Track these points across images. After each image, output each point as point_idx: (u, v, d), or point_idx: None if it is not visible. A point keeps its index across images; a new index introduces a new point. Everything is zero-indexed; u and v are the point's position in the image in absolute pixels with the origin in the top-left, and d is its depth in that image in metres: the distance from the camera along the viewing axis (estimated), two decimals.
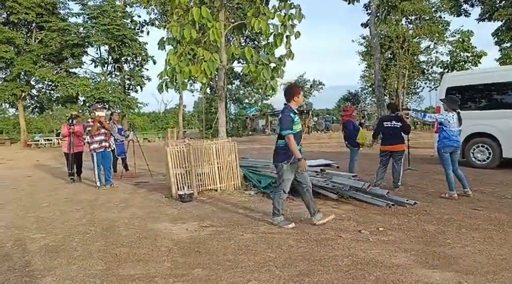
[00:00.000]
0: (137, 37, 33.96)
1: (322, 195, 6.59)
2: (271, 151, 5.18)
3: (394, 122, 7.24)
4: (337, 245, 4.29)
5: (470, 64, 31.65)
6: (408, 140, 8.68)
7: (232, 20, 8.21)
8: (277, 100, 53.11)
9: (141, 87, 35.13)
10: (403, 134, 7.35)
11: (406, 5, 19.85)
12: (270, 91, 8.41)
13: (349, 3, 22.39)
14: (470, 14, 19.61)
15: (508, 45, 17.81)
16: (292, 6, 8.09)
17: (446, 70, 33.37)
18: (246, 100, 46.85)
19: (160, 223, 5.52)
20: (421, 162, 11.54)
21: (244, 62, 8.53)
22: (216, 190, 7.60)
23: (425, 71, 35.88)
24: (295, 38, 8.24)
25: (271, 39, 8.07)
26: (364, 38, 36.81)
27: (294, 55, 8.23)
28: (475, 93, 10.18)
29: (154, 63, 36.18)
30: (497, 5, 17.48)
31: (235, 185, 7.71)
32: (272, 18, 7.90)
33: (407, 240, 4.43)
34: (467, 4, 19.71)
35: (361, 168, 9.60)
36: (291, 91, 4.99)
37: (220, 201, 6.90)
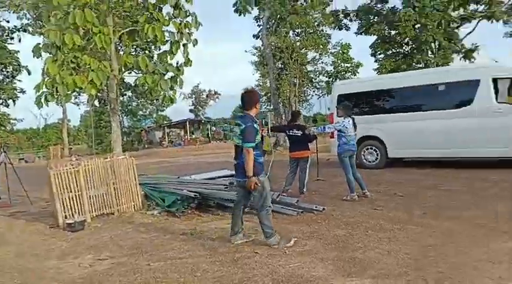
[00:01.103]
0: (6, 45, 30.02)
1: (231, 209, 6.33)
2: (172, 164, 4.72)
3: (295, 130, 7.34)
4: (254, 263, 4.03)
5: (350, 73, 34.81)
6: (317, 149, 8.91)
7: (120, 28, 7.48)
8: (174, 111, 51.93)
9: (14, 101, 31.07)
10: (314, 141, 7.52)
11: (293, 18, 20.92)
12: (168, 103, 7.98)
13: (239, 15, 22.90)
14: (350, 27, 21.72)
15: (383, 56, 20.07)
16: (188, 14, 7.75)
17: (330, 79, 36.23)
18: (140, 112, 44.67)
19: (45, 261, 4.63)
20: (319, 166, 12.04)
21: (139, 72, 7.89)
22: (114, 214, 6.80)
23: (313, 79, 38.41)
24: (193, 46, 7.90)
25: (167, 47, 7.60)
26: (256, 48, 38.03)
27: (191, 62, 7.87)
28: (362, 99, 11.01)
29: (29, 73, 32.27)
30: (371, 21, 19.60)
31: (136, 206, 6.99)
32: (167, 25, 7.45)
33: (322, 248, 4.38)
34: (347, 19, 21.75)
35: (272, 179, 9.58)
36: (253, 98, 4.57)
37: (120, 225, 6.16)
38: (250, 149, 4.26)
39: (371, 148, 10.63)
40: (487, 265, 3.59)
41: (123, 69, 7.87)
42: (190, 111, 60.22)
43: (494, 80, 8.76)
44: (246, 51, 43.97)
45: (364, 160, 10.74)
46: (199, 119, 50.31)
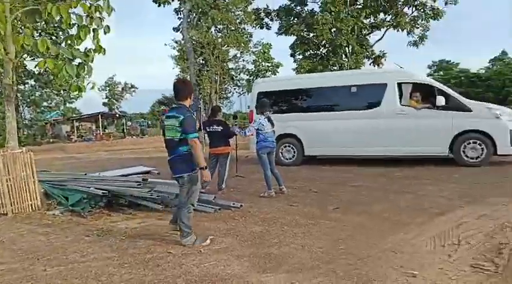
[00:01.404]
0: None
1: (144, 207, 5.98)
2: (80, 161, 4.27)
3: (215, 126, 7.20)
4: (167, 264, 3.80)
5: (270, 73, 35.70)
6: (236, 146, 8.84)
7: (19, 6, 6.65)
8: (85, 104, 48.41)
9: None
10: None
11: (215, 13, 20.71)
12: (76, 93, 7.25)
13: (159, 6, 22.01)
14: (271, 27, 22.18)
15: (301, 57, 20.83)
16: None
17: (251, 77, 36.77)
18: (45, 103, 40.84)
19: None
20: (238, 163, 12.05)
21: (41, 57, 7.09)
22: (7, 214, 6.01)
23: (234, 77, 38.65)
24: (105, 33, 7.29)
25: (74, 31, 6.91)
26: (176, 42, 37.08)
27: (105, 50, 7.27)
28: (281, 98, 11.24)
29: None
30: (291, 22, 20.23)
31: (34, 205, 6.26)
32: (75, 7, 6.76)
33: (238, 246, 4.30)
34: (268, 18, 22.15)
35: None
36: (187, 87, 4.36)
37: (13, 227, 5.45)
38: (196, 139, 4.11)
39: (288, 146, 10.87)
40: (390, 256, 3.79)
41: (21, 52, 7.00)
42: (104, 104, 56.81)
43: (399, 84, 9.51)
44: (165, 45, 42.79)
45: (282, 157, 10.95)
46: (114, 113, 47.64)
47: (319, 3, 20.66)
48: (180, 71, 41.76)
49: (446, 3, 17.89)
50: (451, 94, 9.12)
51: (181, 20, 28.53)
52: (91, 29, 6.98)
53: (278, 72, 35.72)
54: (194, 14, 22.03)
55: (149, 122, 52.88)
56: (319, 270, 3.52)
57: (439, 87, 9.40)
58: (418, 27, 18.93)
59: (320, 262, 3.70)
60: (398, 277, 3.28)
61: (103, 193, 5.70)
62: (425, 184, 7.33)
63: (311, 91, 10.72)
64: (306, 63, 18.66)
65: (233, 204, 5.63)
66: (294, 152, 10.84)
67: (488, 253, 3.72)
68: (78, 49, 6.87)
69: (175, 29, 31.55)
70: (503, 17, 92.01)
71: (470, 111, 8.85)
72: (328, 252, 3.96)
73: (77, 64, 6.66)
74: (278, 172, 7.18)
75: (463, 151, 8.90)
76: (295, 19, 20.38)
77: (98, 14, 7.07)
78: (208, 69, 35.40)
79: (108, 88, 57.38)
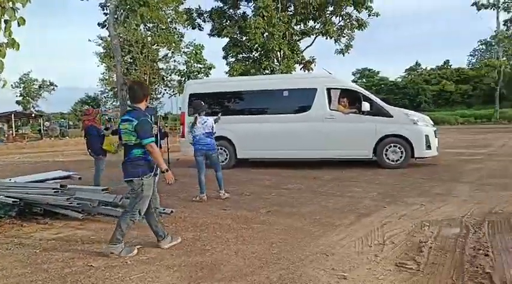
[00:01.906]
0: None
1: (63, 215, 5.47)
2: None
3: None
4: (88, 279, 3.46)
5: (202, 74, 35.26)
6: (168, 149, 8.50)
7: None
8: None
9: None
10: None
11: (144, 10, 19.94)
12: None
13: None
14: (203, 28, 21.89)
15: (233, 59, 20.82)
16: None
17: (183, 78, 36.00)
18: None
19: None
20: (170, 167, 11.65)
21: None
22: None
23: (164, 77, 37.56)
24: (18, 25, 6.58)
25: None
26: (102, 38, 35.12)
27: (19, 45, 6.55)
28: (214, 100, 11.07)
29: None
30: (224, 24, 20.15)
31: None
32: None
33: (167, 255, 4.08)
34: (200, 19, 21.85)
35: (109, 178, 8.74)
36: (143, 90, 4.19)
37: None
38: (152, 144, 3.94)
39: (221, 149, 10.72)
40: (322, 258, 3.83)
41: None
42: (18, 102, 52.02)
43: (328, 90, 9.86)
44: (89, 41, 40.27)
45: None
46: (29, 112, 43.80)
47: (251, 7, 20.91)
48: (106, 69, 39.66)
49: (369, 15, 19.15)
50: (375, 101, 9.68)
51: (108, 15, 27.16)
52: (2, 21, 6.28)
53: (210, 74, 35.43)
54: (122, 10, 21.01)
55: (70, 122, 49.51)
56: (253, 277, 3.44)
57: (364, 93, 9.93)
58: (344, 36, 19.97)
59: (254, 268, 3.63)
60: (330, 280, 3.32)
61: (13, 201, 5.09)
62: (352, 185, 7.65)
63: (244, 94, 10.72)
64: (239, 66, 18.70)
65: (163, 209, 5.36)
66: (227, 155, 10.73)
67: (410, 251, 3.93)
68: None
69: (101, 25, 29.98)
70: (418, 31, 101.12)
71: (392, 116, 9.46)
72: (261, 257, 3.91)
73: None
74: (221, 175, 7.01)
75: (385, 154, 9.47)
76: (228, 21, 20.37)
77: (10, 4, 6.39)
78: (136, 68, 34.02)
79: (22, 85, 52.62)
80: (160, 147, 7.13)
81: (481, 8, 34.16)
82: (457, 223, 4.84)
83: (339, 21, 19.72)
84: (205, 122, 6.81)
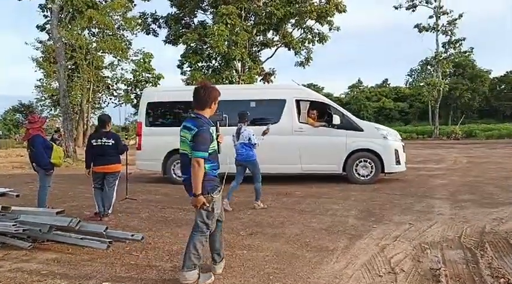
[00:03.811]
0: None
1: (2, 244, 4.47)
2: None
3: (104, 139, 5.97)
4: None
5: (151, 84, 33.81)
6: (127, 163, 7.62)
7: None
8: None
9: None
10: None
11: (93, 13, 18.59)
12: None
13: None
14: (158, 34, 20.89)
15: (189, 69, 19.94)
16: None
17: (130, 87, 34.34)
18: None
19: None
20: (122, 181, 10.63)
21: None
22: None
23: (110, 86, 35.62)
24: None
25: None
26: (40, 42, 32.57)
27: None
28: (174, 109, 10.30)
29: None
30: (181, 31, 19.36)
31: None
32: None
33: None
34: (156, 25, 20.86)
35: (56, 197, 7.63)
36: (210, 94, 3.52)
37: None
38: (200, 160, 3.29)
39: (178, 163, 9.92)
40: None
41: None
42: None
43: (298, 101, 9.49)
44: (26, 44, 37.31)
45: (174, 175, 9.95)
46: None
47: (209, 15, 20.39)
48: (44, 75, 36.81)
49: (330, 29, 19.35)
50: (345, 114, 9.46)
51: (48, 18, 25.10)
52: None
53: (159, 84, 34.06)
54: (67, 12, 19.45)
55: (0, 132, 45.29)
56: None
57: (334, 106, 9.69)
58: (304, 49, 20.02)
59: None
60: None
61: None
62: (328, 202, 7.25)
63: None
64: (199, 75, 17.92)
65: (132, 235, 4.54)
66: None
67: (425, 281, 3.53)
68: None
69: (40, 27, 27.76)
70: (361, 49, 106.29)
71: (362, 130, 9.27)
72: None
73: None
74: (259, 185, 6.88)
75: (355, 169, 9.24)
76: (185, 29, 19.63)
77: None
78: (79, 75, 31.92)
79: None
80: (120, 162, 6.34)
81: (422, 30, 36.48)
82: (457, 245, 4.55)
83: (300, 34, 19.76)
84: (242, 132, 6.71)
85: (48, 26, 26.44)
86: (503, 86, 53.48)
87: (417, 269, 3.81)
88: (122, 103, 34.76)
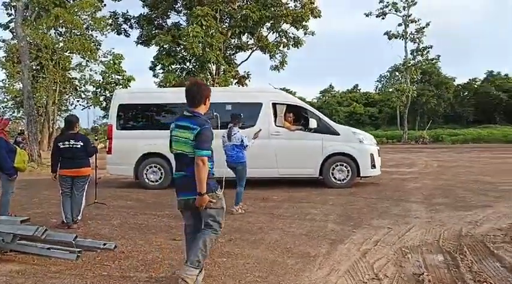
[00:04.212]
0: None
1: None
2: None
3: (72, 142, 5.65)
4: None
5: (121, 86, 32.94)
6: (96, 166, 7.27)
7: None
8: None
9: None
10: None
11: (60, 11, 17.91)
12: None
13: None
14: (130, 35, 20.34)
15: (162, 71, 19.55)
16: None
17: (99, 89, 33.30)
18: None
19: None
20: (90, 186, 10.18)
21: None
22: None
23: (77, 88, 34.43)
24: None
25: None
26: (3, 41, 31.09)
27: None
28: (146, 112, 10.01)
29: None
30: (153, 32, 18.96)
31: None
32: None
33: None
34: (127, 25, 20.32)
35: (19, 204, 7.18)
36: (204, 91, 3.45)
37: None
38: (205, 159, 3.23)
39: (155, 167, 9.63)
40: None
41: None
42: None
43: (274, 105, 9.41)
44: None
45: (147, 180, 9.63)
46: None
47: (183, 17, 20.07)
48: (7, 76, 35.14)
49: (305, 34, 19.47)
50: (322, 118, 9.46)
51: (12, 16, 24.04)
52: None
53: (130, 86, 33.22)
54: (32, 10, 18.66)
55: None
56: None
57: (311, 109, 9.68)
58: (279, 53, 20.06)
59: None
60: None
61: None
62: (307, 207, 7.18)
63: (181, 106, 9.71)
64: (172, 77, 17.54)
65: (104, 244, 4.26)
66: (161, 173, 9.64)
67: None
68: None
69: (3, 26, 26.63)
70: (332, 54, 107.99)
71: (338, 134, 9.29)
72: None
73: None
74: (241, 190, 6.80)
75: (332, 173, 9.23)
76: (157, 30, 19.23)
77: None
78: (45, 76, 30.65)
79: None
80: (89, 165, 6.04)
81: (392, 37, 37.53)
82: (436, 249, 4.56)
83: (275, 37, 19.78)
84: (234, 134, 6.61)
85: (12, 25, 25.35)
86: (466, 93, 55.72)
87: (400, 274, 3.77)
88: (91, 105, 33.63)
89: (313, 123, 9.11)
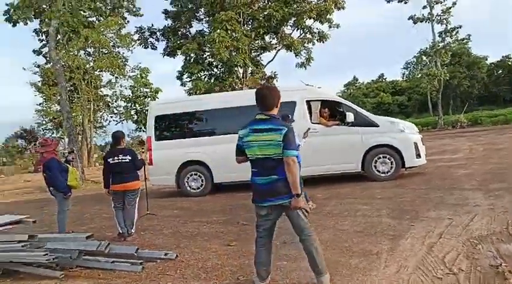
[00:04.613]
0: None
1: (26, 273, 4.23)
2: None
3: (121, 156, 5.76)
4: None
5: (149, 98, 33.71)
6: (145, 178, 7.43)
7: None
8: None
9: None
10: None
11: (89, 32, 18.49)
12: None
13: (14, 26, 18.55)
14: (156, 47, 20.78)
15: (189, 79, 19.76)
16: None
17: (129, 104, 34.23)
18: None
19: None
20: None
21: None
22: None
23: (110, 104, 35.53)
24: None
25: None
26: (38, 66, 32.47)
27: None
28: (181, 121, 10.10)
29: None
30: (179, 42, 19.25)
31: None
32: None
33: None
34: (153, 38, 20.76)
35: (72, 220, 7.39)
36: (276, 94, 3.41)
37: None
38: (295, 158, 3.20)
39: (195, 174, 9.71)
40: None
41: None
42: None
43: (308, 102, 9.27)
44: (24, 69, 37.16)
45: (188, 188, 9.72)
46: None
47: (204, 23, 20.25)
48: (44, 99, 36.66)
49: (330, 27, 19.16)
50: (358, 110, 9.24)
51: (44, 42, 25.02)
52: None
53: (157, 98, 33.97)
54: (63, 34, 19.36)
55: (4, 159, 45.03)
56: None
57: (346, 103, 9.49)
58: (304, 50, 19.84)
59: None
60: None
61: None
62: (354, 203, 7.01)
63: (216, 112, 9.76)
64: (202, 84, 17.71)
65: (165, 254, 4.30)
66: (202, 181, 9.70)
67: (492, 280, 3.29)
68: None
69: (37, 52, 27.74)
70: (353, 45, 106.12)
71: (377, 126, 9.04)
72: None
73: None
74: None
75: (375, 166, 8.99)
76: (182, 39, 19.51)
77: None
78: (79, 95, 31.81)
79: None
80: (139, 179, 6.14)
81: (417, 21, 36.32)
82: (508, 238, 4.29)
83: (300, 34, 19.56)
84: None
85: (44, 50, 26.40)
86: (500, 71, 53.28)
87: (476, 267, 3.57)
88: (123, 120, 34.57)
89: (350, 117, 8.89)
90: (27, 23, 18.86)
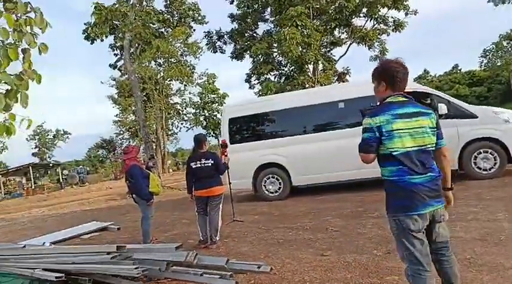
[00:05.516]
0: None
1: None
2: (10, 223, 2.49)
3: (203, 161, 5.54)
4: None
5: (217, 104, 34.32)
6: (229, 183, 7.25)
7: None
8: (12, 157, 43.50)
9: None
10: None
11: (160, 42, 19.12)
12: (3, 135, 4.85)
13: (92, 43, 19.80)
14: (225, 51, 21.04)
15: (257, 80, 19.65)
16: (30, 8, 5.31)
17: (198, 110, 35.11)
18: None
19: None
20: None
21: None
22: None
23: (180, 111, 36.78)
24: (40, 53, 5.43)
25: None
26: (114, 79, 34.68)
27: (40, 77, 5.36)
28: (255, 122, 9.82)
29: None
30: (247, 44, 19.24)
31: None
32: None
33: None
34: (221, 42, 21.01)
35: (154, 226, 7.38)
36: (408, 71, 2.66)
37: None
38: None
39: (273, 177, 9.35)
40: None
41: None
42: (34, 154, 51.61)
43: None
44: (102, 83, 39.86)
45: (266, 191, 9.38)
46: (46, 163, 43.12)
47: (270, 23, 20.00)
48: (120, 110, 39.08)
49: (406, 14, 17.83)
50: (451, 101, 8.26)
51: (118, 56, 26.56)
52: (20, 49, 5.12)
53: (225, 103, 34.52)
54: (136, 45, 20.28)
55: (87, 169, 48.83)
56: None
57: (436, 93, 8.54)
58: (377, 42, 18.76)
59: None
60: None
61: (57, 278, 3.71)
62: (460, 205, 6.10)
63: (291, 111, 9.30)
64: (273, 84, 17.44)
65: (258, 267, 3.92)
66: (280, 184, 9.31)
67: None
68: (5, 71, 4.93)
69: (113, 66, 29.53)
70: (421, 38, 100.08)
71: (476, 117, 7.98)
72: None
73: (6, 91, 4.71)
74: None
75: (474, 163, 7.94)
76: (250, 41, 19.45)
77: (28, 29, 5.25)
78: (152, 105, 33.34)
79: (37, 137, 52.43)
80: (222, 183, 5.88)
81: (499, 3, 33.02)
82: None
83: (373, 25, 18.48)
84: None
85: (119, 63, 28.02)
86: None
87: None
88: (193, 126, 35.54)
89: (442, 108, 7.91)
90: (103, 39, 20.13)
